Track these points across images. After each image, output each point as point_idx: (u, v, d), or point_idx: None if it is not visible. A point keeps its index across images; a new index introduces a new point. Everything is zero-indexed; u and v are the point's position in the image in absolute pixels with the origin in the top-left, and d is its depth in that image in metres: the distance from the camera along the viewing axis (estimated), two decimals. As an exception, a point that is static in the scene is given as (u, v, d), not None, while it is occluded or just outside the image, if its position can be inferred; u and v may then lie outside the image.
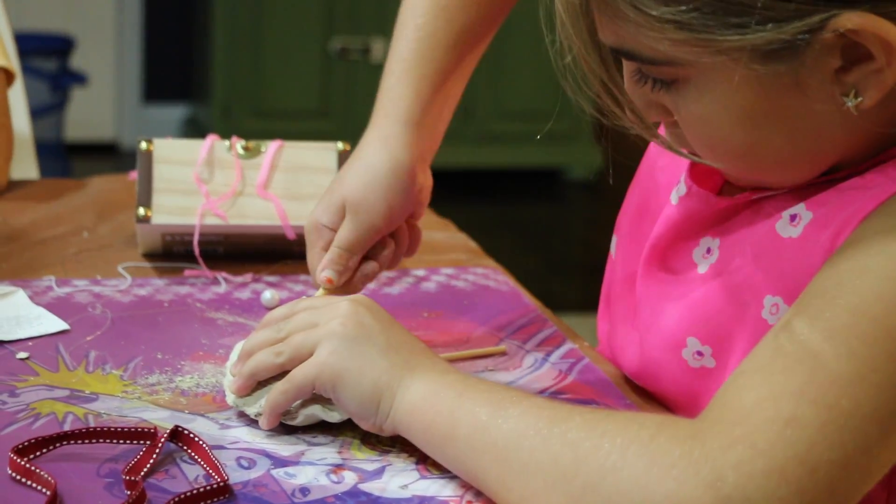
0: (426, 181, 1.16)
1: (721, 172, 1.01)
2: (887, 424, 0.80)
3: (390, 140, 1.14)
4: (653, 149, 1.12)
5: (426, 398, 0.92)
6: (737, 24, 0.81)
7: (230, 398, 1.00)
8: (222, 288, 1.27)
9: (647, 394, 1.08)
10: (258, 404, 0.98)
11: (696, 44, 0.83)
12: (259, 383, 0.99)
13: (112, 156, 4.54)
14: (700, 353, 0.99)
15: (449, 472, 0.93)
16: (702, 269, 1.00)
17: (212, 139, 1.34)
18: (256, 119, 4.25)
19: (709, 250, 0.99)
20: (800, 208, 0.92)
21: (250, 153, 1.34)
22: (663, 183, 1.07)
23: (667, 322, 1.01)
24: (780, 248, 0.93)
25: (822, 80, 0.84)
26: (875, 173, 0.89)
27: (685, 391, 1.01)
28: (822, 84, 0.84)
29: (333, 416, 0.97)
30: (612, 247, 1.14)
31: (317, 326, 0.97)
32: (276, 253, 1.35)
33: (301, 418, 0.97)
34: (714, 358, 0.99)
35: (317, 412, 0.97)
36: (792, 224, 0.93)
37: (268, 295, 1.24)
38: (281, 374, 0.97)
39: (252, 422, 0.99)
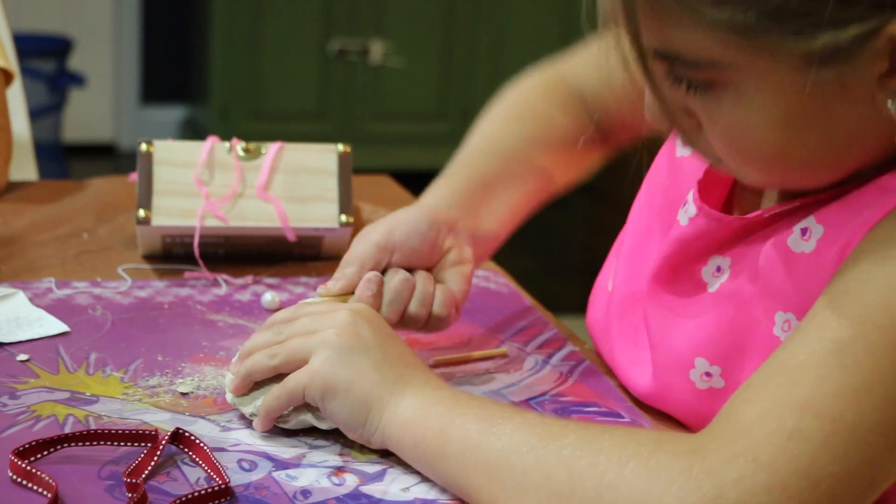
0: (461, 253, 1.14)
1: (729, 185, 1.01)
2: (892, 437, 0.79)
3: (421, 200, 1.17)
4: (658, 171, 1.10)
5: (416, 414, 0.92)
6: (793, 28, 0.81)
7: (228, 396, 1.00)
8: (223, 290, 1.27)
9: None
10: (253, 405, 0.98)
11: (748, 47, 0.82)
12: (256, 384, 0.99)
13: (110, 157, 4.54)
14: (709, 374, 0.98)
15: (450, 474, 0.93)
16: (712, 288, 0.99)
17: (212, 141, 1.34)
18: (254, 121, 4.24)
19: (719, 269, 0.99)
20: (810, 222, 0.92)
21: (250, 155, 1.34)
22: (676, 199, 1.06)
23: (674, 343, 1.01)
24: (792, 263, 0.92)
25: (867, 84, 0.83)
26: (883, 184, 0.88)
27: (693, 414, 1.00)
28: (866, 88, 0.83)
29: (324, 424, 0.97)
30: (611, 273, 1.13)
31: (315, 333, 0.97)
32: (276, 255, 1.35)
33: (293, 422, 0.97)
34: (723, 378, 0.98)
35: (308, 419, 0.97)
36: (803, 239, 0.92)
37: (268, 297, 1.24)
38: (280, 376, 0.97)
39: (249, 422, 0.99)
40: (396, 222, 1.12)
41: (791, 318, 0.92)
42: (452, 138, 5.33)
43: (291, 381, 0.95)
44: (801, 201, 0.93)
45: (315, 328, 0.97)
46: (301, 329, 0.98)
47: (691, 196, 1.00)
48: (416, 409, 0.92)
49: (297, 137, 1.59)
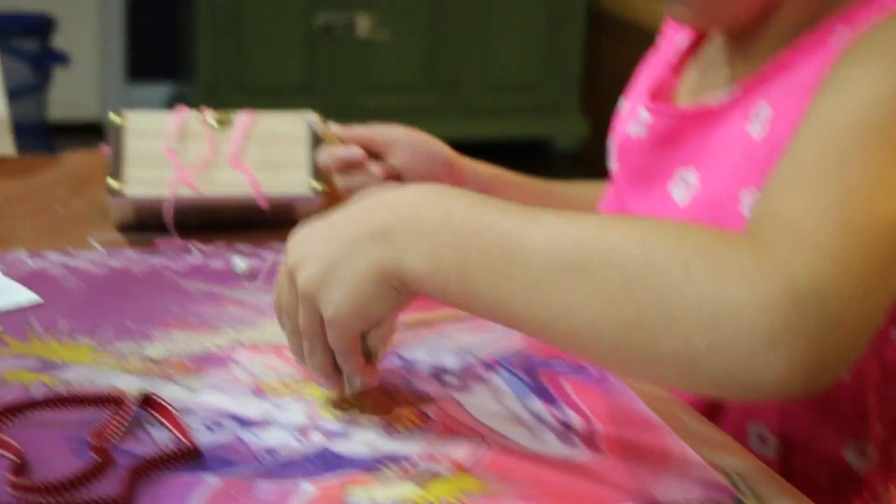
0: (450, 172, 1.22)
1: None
2: None
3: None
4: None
5: (429, 273, 0.84)
6: None
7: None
8: (196, 258, 1.28)
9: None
10: (348, 384, 0.96)
11: None
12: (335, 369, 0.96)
13: (97, 135, 4.53)
14: None
15: (416, 429, 0.94)
16: (683, 203, 1.00)
17: (183, 111, 1.34)
18: (241, 96, 4.24)
19: (686, 182, 1.00)
20: (763, 108, 0.93)
21: (222, 124, 1.35)
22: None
23: None
24: (751, 147, 0.93)
25: None
26: (821, 37, 0.92)
27: None
28: None
29: None
30: None
31: (300, 306, 0.91)
32: (250, 223, 1.36)
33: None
34: None
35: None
36: (760, 125, 0.94)
37: (241, 264, 1.25)
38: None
39: (217, 385, 1.00)
40: (431, 138, 1.23)
41: (756, 192, 0.92)
42: (440, 110, 5.32)
43: (338, 348, 0.91)
44: (742, 84, 0.94)
45: (293, 303, 0.92)
46: (286, 310, 0.93)
47: (641, 106, 1.02)
48: (426, 269, 0.84)
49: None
